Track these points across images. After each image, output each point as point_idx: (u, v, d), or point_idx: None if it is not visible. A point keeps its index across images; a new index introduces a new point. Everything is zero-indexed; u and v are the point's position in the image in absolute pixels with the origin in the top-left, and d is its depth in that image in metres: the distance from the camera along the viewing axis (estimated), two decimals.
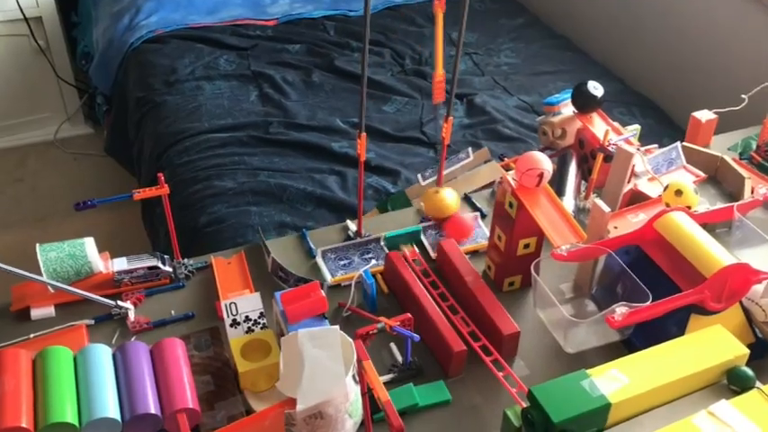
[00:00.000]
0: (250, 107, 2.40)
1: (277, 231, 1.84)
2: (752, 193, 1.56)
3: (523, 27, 2.98)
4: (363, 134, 1.31)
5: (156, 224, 2.17)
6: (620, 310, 1.12)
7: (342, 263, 1.42)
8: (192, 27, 2.86)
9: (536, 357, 1.26)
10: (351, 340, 1.04)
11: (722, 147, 1.83)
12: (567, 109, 1.64)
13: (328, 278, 1.38)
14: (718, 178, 1.70)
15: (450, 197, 1.37)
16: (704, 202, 1.63)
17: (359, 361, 0.90)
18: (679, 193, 1.30)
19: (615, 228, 1.35)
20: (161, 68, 2.63)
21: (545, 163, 1.25)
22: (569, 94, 1.62)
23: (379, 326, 1.14)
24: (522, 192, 1.27)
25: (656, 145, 1.76)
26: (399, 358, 1.23)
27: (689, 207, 1.33)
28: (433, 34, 1.41)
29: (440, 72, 1.32)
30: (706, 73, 2.47)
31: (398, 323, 1.15)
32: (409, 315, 1.16)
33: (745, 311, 1.25)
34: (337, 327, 1.12)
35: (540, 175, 1.24)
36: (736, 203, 1.31)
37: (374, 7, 2.96)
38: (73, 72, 3.38)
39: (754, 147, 1.78)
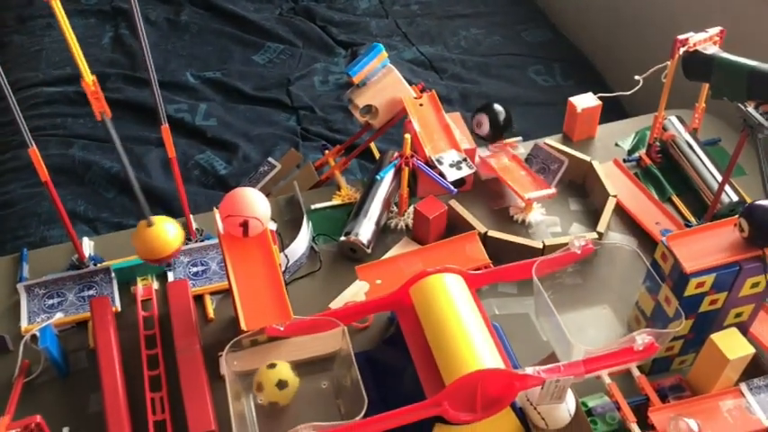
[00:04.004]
0: (98, 53, 2.04)
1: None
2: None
3: None
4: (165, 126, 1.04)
5: None
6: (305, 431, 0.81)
7: (50, 302, 1.12)
8: None
9: None
10: None
11: (611, 139, 1.44)
12: (376, 76, 1.26)
13: (23, 325, 1.09)
14: (586, 187, 1.32)
15: (170, 232, 1.02)
16: (556, 223, 1.27)
17: None
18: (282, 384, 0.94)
19: (378, 282, 1.01)
20: (18, 0, 2.27)
21: (255, 206, 0.91)
22: (373, 54, 1.24)
23: None
24: (228, 241, 0.94)
25: (519, 138, 1.38)
26: None
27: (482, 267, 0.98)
28: None
29: (88, 80, 0.94)
30: (654, 26, 2.00)
31: (20, 429, 0.85)
32: (37, 418, 0.86)
33: (522, 418, 0.92)
34: None
35: (244, 224, 0.90)
36: (537, 261, 0.95)
37: None
38: None
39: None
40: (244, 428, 0.89)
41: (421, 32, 2.13)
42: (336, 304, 1.10)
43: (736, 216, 0.92)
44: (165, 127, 1.05)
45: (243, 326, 0.88)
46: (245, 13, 2.16)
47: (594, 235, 1.17)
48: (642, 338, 0.83)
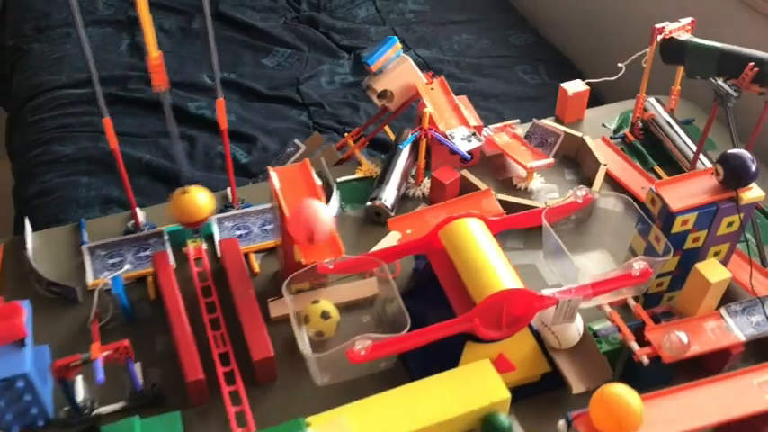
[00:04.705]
0: (116, 58, 2.18)
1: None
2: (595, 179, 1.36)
3: None
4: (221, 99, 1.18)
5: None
6: (362, 343, 0.95)
7: (111, 261, 1.25)
8: None
9: (297, 387, 1.09)
10: None
11: (597, 121, 1.61)
12: (392, 64, 1.42)
13: (89, 280, 1.22)
14: (579, 160, 1.49)
15: (201, 199, 1.17)
16: (554, 190, 1.44)
17: None
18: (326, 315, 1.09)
19: (408, 232, 1.16)
20: (35, 12, 2.40)
21: (317, 221, 1.03)
22: (388, 45, 1.40)
23: (84, 356, 0.98)
24: (285, 194, 1.08)
25: (517, 120, 1.55)
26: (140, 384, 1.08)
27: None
28: None
29: (155, 54, 1.10)
30: (629, 28, 2.20)
31: (111, 351, 0.99)
32: (126, 343, 1.00)
33: (538, 337, 1.08)
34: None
35: (310, 236, 1.04)
36: (546, 207, 1.12)
37: None
38: None
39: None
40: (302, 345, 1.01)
41: (417, 38, 2.30)
42: None
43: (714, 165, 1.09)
44: (221, 100, 1.19)
45: (303, 260, 1.02)
46: (253, 22, 2.32)
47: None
48: (638, 265, 0.99)
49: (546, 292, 0.99)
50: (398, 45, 1.45)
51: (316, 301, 1.12)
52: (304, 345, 1.00)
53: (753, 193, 1.08)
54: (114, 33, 2.30)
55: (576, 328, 1.05)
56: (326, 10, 2.44)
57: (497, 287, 0.98)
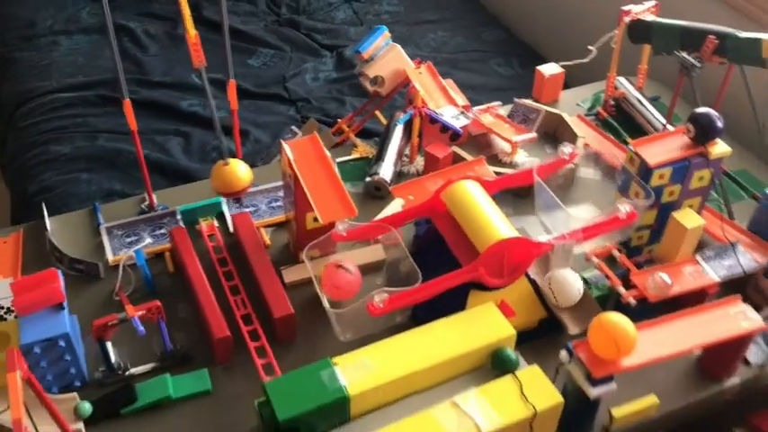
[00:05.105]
0: (105, 63, 2.24)
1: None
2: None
3: None
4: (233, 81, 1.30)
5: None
6: (380, 296, 1.04)
7: (128, 240, 1.32)
8: None
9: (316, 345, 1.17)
10: None
11: (572, 102, 1.73)
12: (382, 52, 1.52)
13: (109, 257, 1.29)
14: (558, 136, 1.61)
15: (242, 170, 1.26)
16: (537, 163, 1.54)
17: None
18: None
19: (411, 198, 1.26)
20: (19, 22, 2.45)
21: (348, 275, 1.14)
22: (378, 34, 1.51)
23: (120, 316, 1.05)
24: (299, 164, 1.17)
25: (499, 102, 1.66)
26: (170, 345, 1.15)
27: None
28: None
29: (192, 33, 1.19)
30: (593, 20, 2.35)
31: (144, 311, 1.06)
32: (158, 303, 1.07)
33: (534, 285, 1.18)
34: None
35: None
36: (537, 165, 1.22)
37: None
38: None
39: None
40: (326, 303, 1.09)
41: (394, 37, 2.35)
42: None
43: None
44: (233, 82, 1.28)
45: (321, 220, 1.11)
46: (235, 25, 2.40)
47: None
48: (624, 208, 1.10)
49: (542, 238, 1.10)
50: (387, 34, 1.55)
51: (328, 261, 1.20)
52: (326, 303, 1.08)
53: (719, 148, 1.20)
54: (100, 40, 2.36)
55: (575, 288, 1.13)
56: (306, 13, 2.53)
57: (498, 237, 1.08)
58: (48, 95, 2.12)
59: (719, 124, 1.17)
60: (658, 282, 1.13)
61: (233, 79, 1.29)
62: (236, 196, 1.27)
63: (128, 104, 1.22)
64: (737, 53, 1.33)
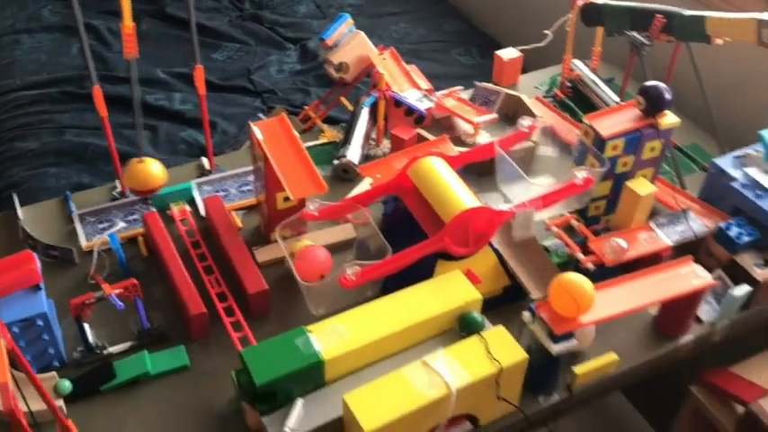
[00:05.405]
0: (69, 61, 2.25)
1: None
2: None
3: None
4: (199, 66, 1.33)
5: None
6: (351, 269, 1.08)
7: (101, 226, 1.34)
8: None
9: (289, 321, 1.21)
10: None
11: (531, 84, 1.80)
12: (346, 38, 1.57)
13: (83, 243, 1.30)
14: (517, 117, 1.66)
15: (155, 168, 1.29)
16: None
17: None
18: None
19: (378, 177, 1.30)
20: None
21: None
22: (341, 22, 1.55)
23: (97, 294, 1.07)
24: (268, 144, 1.21)
25: (461, 87, 1.71)
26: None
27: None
28: None
29: (129, 24, 1.22)
30: (550, 11, 2.42)
31: (121, 290, 1.09)
32: (134, 281, 1.10)
33: (499, 255, 1.23)
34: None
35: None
36: (498, 139, 1.28)
37: None
38: None
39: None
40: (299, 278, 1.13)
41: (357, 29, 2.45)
42: None
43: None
44: (199, 67, 1.31)
45: (291, 196, 1.15)
46: (200, 21, 2.42)
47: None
48: (581, 174, 1.16)
49: (503, 206, 1.15)
50: (350, 21, 1.60)
51: (298, 241, 1.24)
52: (299, 276, 1.12)
53: (669, 119, 1.26)
54: (63, 38, 2.36)
55: (591, 331, 1.14)
56: (268, 8, 2.56)
57: (462, 207, 1.12)
58: (11, 93, 2.12)
59: (668, 96, 1.23)
60: (614, 247, 1.19)
61: (199, 64, 1.31)
62: (145, 195, 1.30)
63: (97, 90, 1.24)
64: (683, 31, 1.40)
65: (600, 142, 1.24)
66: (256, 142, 1.22)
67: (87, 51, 1.20)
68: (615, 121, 1.26)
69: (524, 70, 1.84)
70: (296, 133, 1.24)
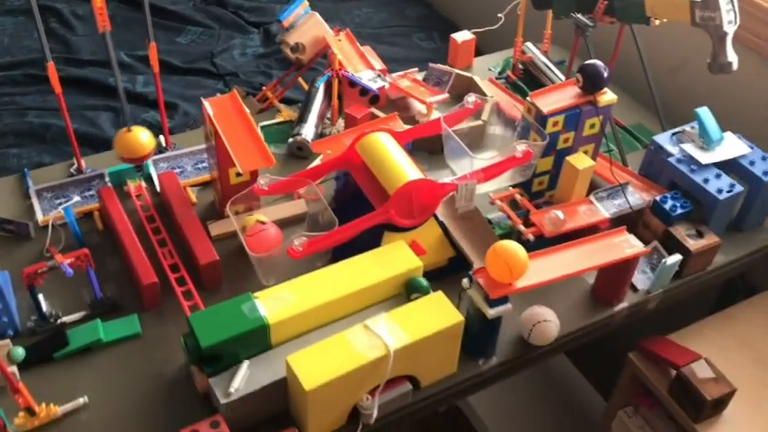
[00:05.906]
0: (32, 44, 2.25)
1: None
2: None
3: None
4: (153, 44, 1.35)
5: None
6: (299, 240, 1.12)
7: (58, 201, 1.36)
8: None
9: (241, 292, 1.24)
10: None
11: (485, 66, 1.84)
12: (302, 20, 1.60)
13: (39, 218, 1.33)
14: None
15: (144, 137, 1.32)
16: None
17: None
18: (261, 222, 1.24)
19: (329, 152, 1.34)
20: None
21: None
22: (297, 3, 1.59)
23: (50, 263, 1.10)
24: (218, 119, 1.24)
25: (416, 69, 1.75)
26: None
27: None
28: None
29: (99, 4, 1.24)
30: None
31: (73, 259, 1.12)
32: (86, 251, 1.13)
33: (443, 227, 1.28)
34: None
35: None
36: (444, 115, 1.32)
37: None
38: None
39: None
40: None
41: (320, 13, 2.47)
42: None
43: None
44: (153, 44, 1.34)
45: (240, 169, 1.18)
46: (164, 5, 2.44)
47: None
48: (521, 147, 1.21)
49: (446, 179, 1.19)
50: (306, 3, 1.63)
51: (250, 215, 1.28)
52: (250, 251, 1.16)
53: (607, 96, 1.32)
54: (26, 22, 2.37)
55: (555, 326, 1.18)
56: None
57: (406, 179, 1.17)
58: None
59: (605, 74, 1.29)
60: (553, 218, 1.24)
61: (153, 42, 1.34)
62: (137, 163, 1.33)
63: (51, 66, 1.27)
64: (625, 13, 1.45)
65: (541, 119, 1.29)
66: (207, 118, 1.25)
67: (40, 25, 1.21)
68: (556, 98, 1.31)
69: (481, 53, 1.89)
70: (246, 109, 1.27)
